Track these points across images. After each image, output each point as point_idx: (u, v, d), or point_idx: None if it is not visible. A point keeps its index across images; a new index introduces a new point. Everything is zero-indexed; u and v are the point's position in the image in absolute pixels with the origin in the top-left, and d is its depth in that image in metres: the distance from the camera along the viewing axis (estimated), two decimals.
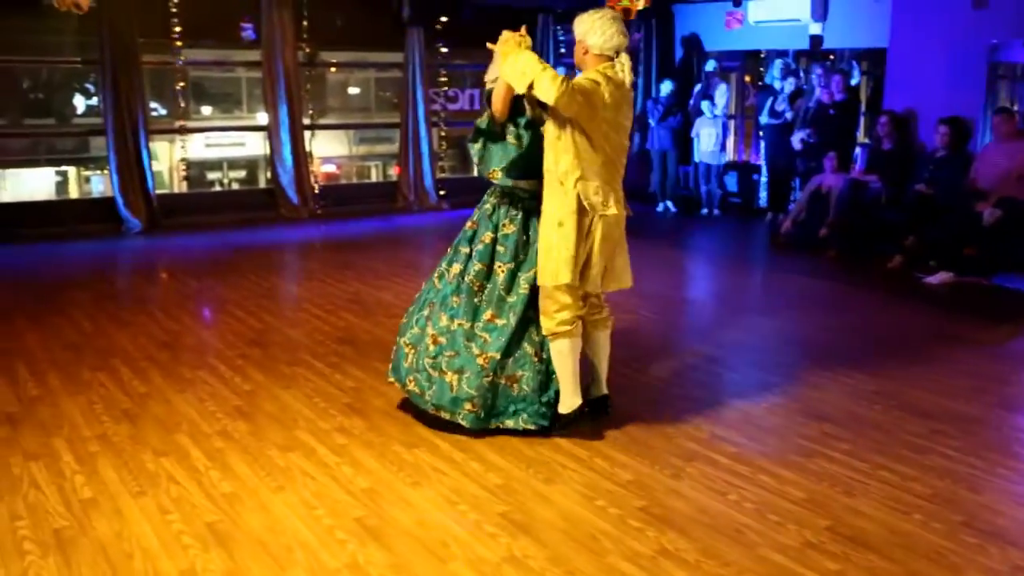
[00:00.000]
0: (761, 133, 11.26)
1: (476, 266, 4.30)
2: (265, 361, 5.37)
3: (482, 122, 4.25)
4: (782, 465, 3.92)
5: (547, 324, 4.14)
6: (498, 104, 4.17)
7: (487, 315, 4.24)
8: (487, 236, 4.32)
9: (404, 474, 3.82)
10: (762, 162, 11.30)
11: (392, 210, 11.56)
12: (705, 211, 11.35)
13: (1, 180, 9.72)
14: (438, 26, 11.42)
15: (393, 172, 11.82)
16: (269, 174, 11.40)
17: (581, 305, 4.18)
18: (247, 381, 5.01)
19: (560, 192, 4.03)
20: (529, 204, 4.32)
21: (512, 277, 4.27)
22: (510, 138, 4.25)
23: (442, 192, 11.90)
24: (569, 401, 4.21)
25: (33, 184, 18.63)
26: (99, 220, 10.09)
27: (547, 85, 3.79)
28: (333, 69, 15.01)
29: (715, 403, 4.75)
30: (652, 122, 11.59)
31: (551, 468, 3.89)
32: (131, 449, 4.08)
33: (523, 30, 4.19)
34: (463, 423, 4.18)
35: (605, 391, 4.48)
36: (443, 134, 12.15)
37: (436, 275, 4.52)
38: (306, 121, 11.15)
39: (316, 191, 11.25)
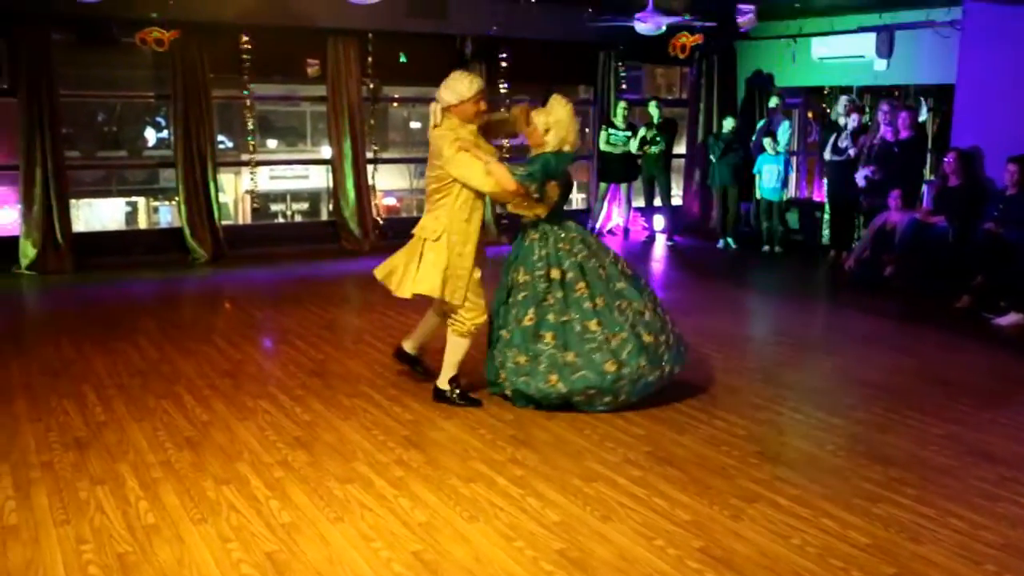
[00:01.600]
0: (824, 170, 11.14)
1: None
2: (325, 392, 5.42)
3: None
4: (846, 509, 3.84)
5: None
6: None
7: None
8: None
9: (461, 508, 3.82)
10: (825, 199, 11.16)
11: None
12: (766, 248, 11.23)
13: (75, 210, 10.04)
14: (500, 62, 11.53)
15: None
16: (332, 206, 11.56)
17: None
18: (307, 411, 5.06)
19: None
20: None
21: None
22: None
23: (503, 224, 11.95)
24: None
25: (105, 214, 19.16)
26: (167, 250, 10.33)
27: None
28: (395, 104, 15.24)
29: (777, 443, 4.68)
30: (713, 158, 11.54)
31: (608, 506, 3.85)
32: (193, 476, 4.14)
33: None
34: None
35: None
36: None
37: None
38: (369, 155, 11.32)
39: (378, 224, 11.39)
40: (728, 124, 11.43)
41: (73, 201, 10.16)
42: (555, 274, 5.11)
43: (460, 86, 4.97)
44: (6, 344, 6.54)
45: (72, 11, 8.78)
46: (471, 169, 4.93)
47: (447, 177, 4.98)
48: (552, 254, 5.15)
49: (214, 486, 4.03)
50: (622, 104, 11.94)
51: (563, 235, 5.20)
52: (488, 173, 4.93)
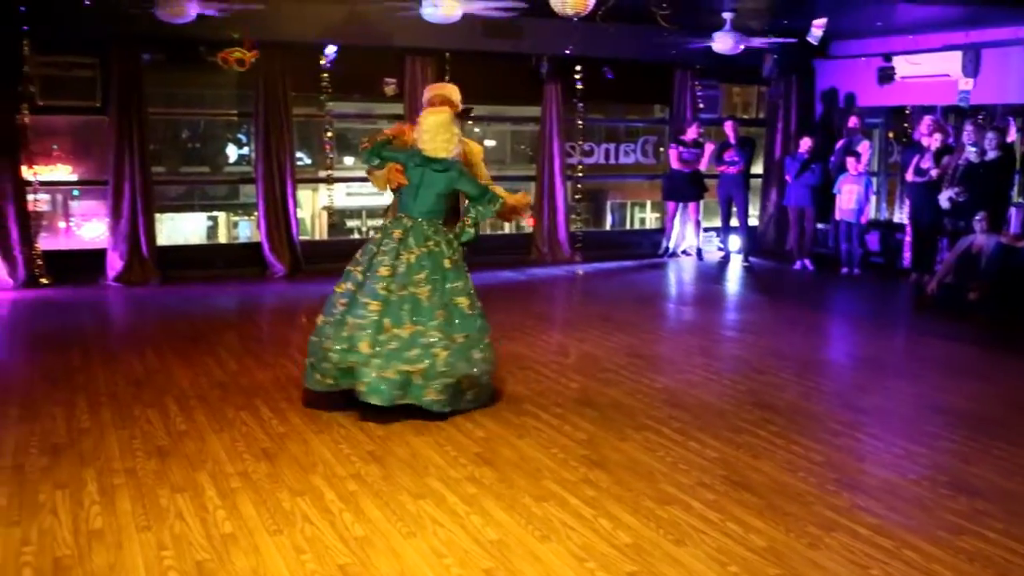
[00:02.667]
0: (906, 191, 10.89)
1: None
2: (396, 408, 5.45)
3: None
4: (929, 541, 3.72)
5: None
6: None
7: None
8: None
9: (533, 527, 3.81)
10: (907, 221, 10.90)
11: (525, 262, 11.66)
12: (845, 270, 11.00)
13: (159, 224, 10.36)
14: (576, 83, 11.56)
15: (526, 224, 11.92)
16: None
17: None
18: (380, 426, 5.10)
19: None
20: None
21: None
22: None
23: (576, 245, 11.95)
24: None
25: (187, 228, 19.65)
26: (246, 264, 10.56)
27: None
28: (470, 122, 15.34)
29: (856, 470, 4.57)
30: (790, 178, 11.38)
31: (682, 530, 3.80)
32: (269, 487, 4.21)
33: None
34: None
35: None
36: (579, 187, 12.24)
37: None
38: None
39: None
40: (805, 144, 11.27)
41: (157, 215, 10.45)
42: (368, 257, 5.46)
43: None
44: (94, 354, 6.75)
45: (161, 33, 9.07)
46: None
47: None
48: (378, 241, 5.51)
49: (289, 497, 4.09)
50: (695, 124, 11.86)
51: (392, 231, 5.47)
52: None
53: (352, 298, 5.27)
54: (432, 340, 5.12)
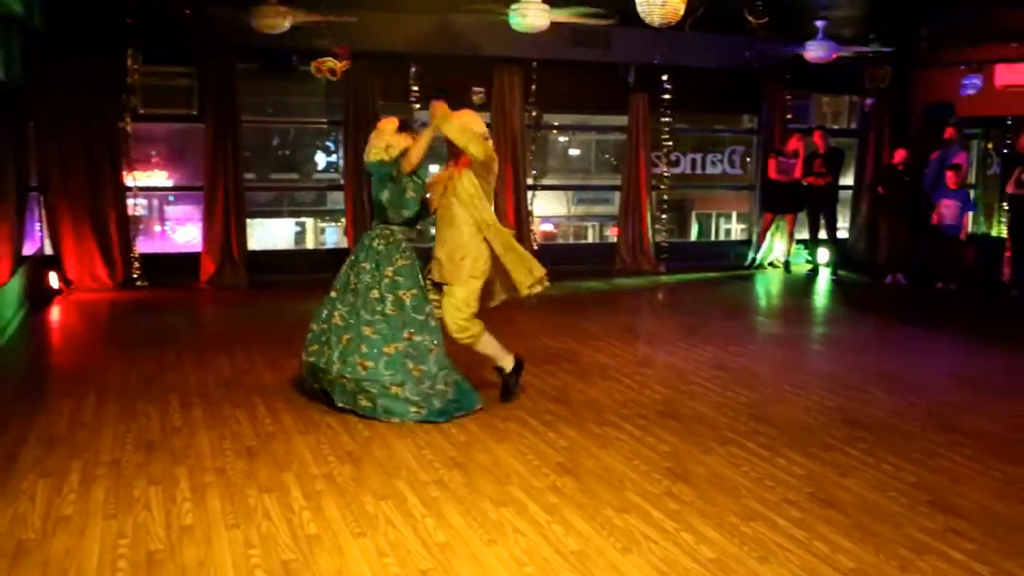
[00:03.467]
0: (1006, 204, 10.52)
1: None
2: (481, 414, 5.48)
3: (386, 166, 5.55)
4: None
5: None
6: (417, 159, 5.52)
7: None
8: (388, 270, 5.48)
9: (614, 539, 3.78)
10: (1006, 234, 10.52)
11: (610, 271, 11.61)
12: (940, 285, 10.67)
13: (249, 229, 10.63)
14: (663, 92, 11.48)
15: (610, 233, 11.89)
16: None
17: None
18: (463, 432, 5.13)
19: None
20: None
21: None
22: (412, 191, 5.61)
23: (662, 255, 11.85)
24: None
25: (275, 234, 20.10)
26: (333, 269, 10.68)
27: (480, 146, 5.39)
28: (554, 131, 15.38)
29: (951, 493, 4.41)
30: (882, 190, 11.09)
31: (767, 547, 3.73)
32: (353, 490, 4.26)
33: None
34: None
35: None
36: (664, 198, 12.14)
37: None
38: (529, 181, 11.46)
39: (535, 249, 11.48)
40: (900, 155, 10.97)
41: (248, 220, 10.72)
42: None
43: None
44: (186, 354, 6.94)
45: (256, 43, 9.30)
46: None
47: None
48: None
49: (373, 501, 4.13)
50: (796, 134, 11.65)
51: (368, 241, 5.69)
52: None
53: None
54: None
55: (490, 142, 5.59)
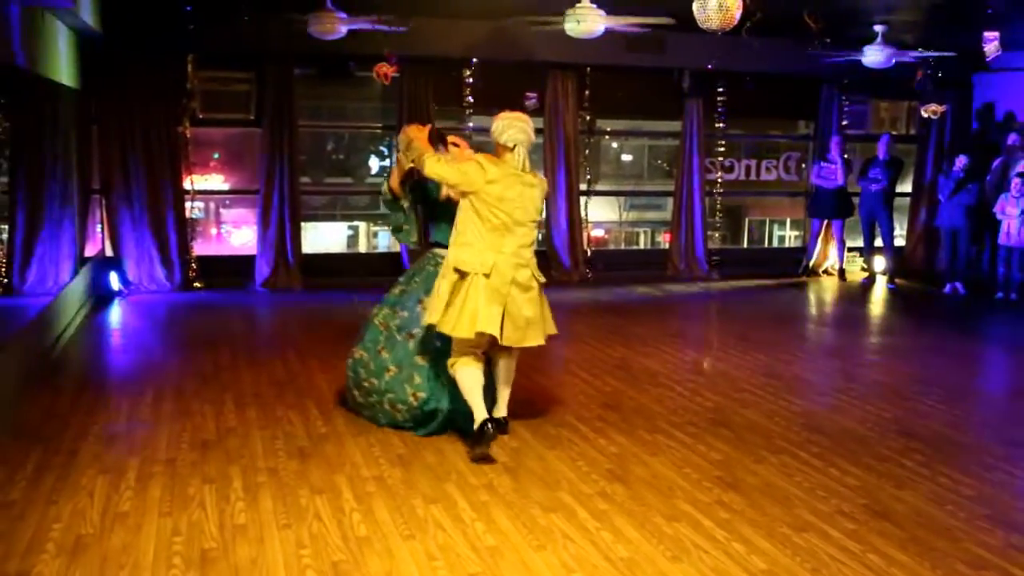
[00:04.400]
0: None
1: None
2: (531, 419, 5.48)
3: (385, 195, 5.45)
4: None
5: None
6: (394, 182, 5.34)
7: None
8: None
9: (664, 547, 3.75)
10: None
11: (661, 278, 11.55)
12: (1000, 295, 10.43)
13: (304, 232, 10.79)
14: (718, 98, 11.40)
15: (662, 239, 11.83)
16: (543, 237, 11.76)
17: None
18: (514, 438, 5.13)
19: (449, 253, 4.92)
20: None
21: None
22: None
23: (714, 261, 11.76)
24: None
25: (329, 237, 20.33)
26: (384, 273, 10.79)
27: (423, 164, 4.89)
28: (607, 137, 15.34)
29: (1010, 507, 4.31)
30: (943, 198, 10.87)
31: (819, 558, 3.67)
32: (403, 493, 4.29)
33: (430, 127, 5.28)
34: None
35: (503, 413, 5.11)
36: (717, 204, 12.04)
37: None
38: (582, 187, 11.45)
39: (587, 256, 11.47)
40: (961, 161, 10.76)
41: (302, 224, 10.85)
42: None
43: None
44: (241, 355, 7.05)
45: (313, 49, 9.42)
46: None
47: None
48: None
49: (423, 504, 4.15)
50: (835, 139, 11.50)
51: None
52: None
53: None
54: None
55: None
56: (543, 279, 5.05)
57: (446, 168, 4.84)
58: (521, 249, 4.86)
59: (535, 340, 4.95)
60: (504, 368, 5.11)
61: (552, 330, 5.11)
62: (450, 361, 4.95)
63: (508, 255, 4.79)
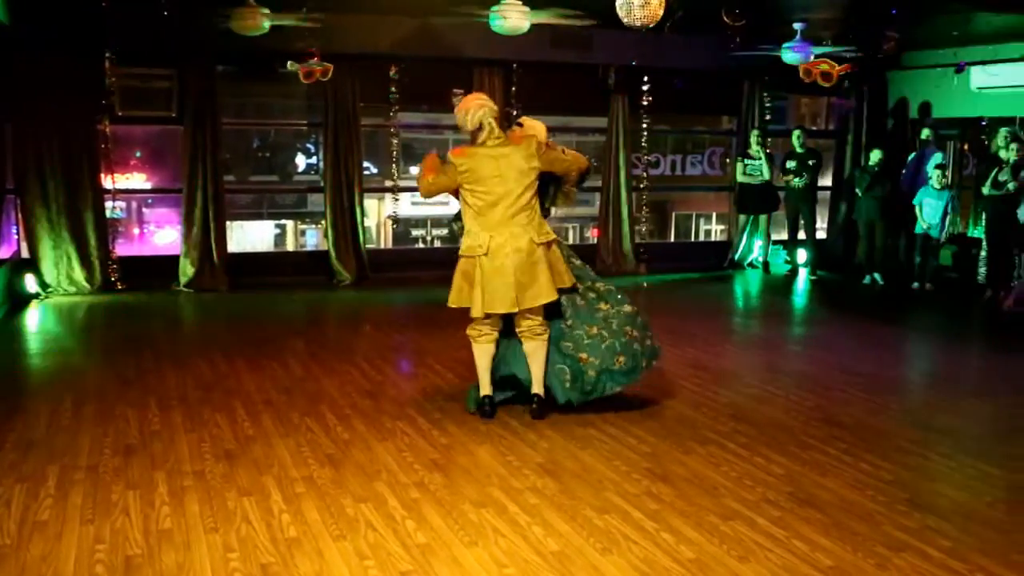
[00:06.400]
0: (981, 205, 10.62)
1: None
2: (461, 416, 5.48)
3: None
4: (1005, 565, 3.61)
5: None
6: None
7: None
8: None
9: (594, 540, 3.78)
10: (982, 235, 10.61)
11: None
12: (916, 285, 10.75)
13: (228, 231, 10.61)
14: (643, 94, 11.51)
15: (590, 235, 11.92)
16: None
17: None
18: (444, 435, 5.13)
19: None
20: None
21: None
22: None
23: (642, 256, 11.89)
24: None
25: (255, 236, 20.05)
26: (312, 272, 10.72)
27: (419, 186, 5.43)
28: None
29: (927, 491, 4.46)
30: (859, 191, 11.16)
31: (746, 546, 3.74)
32: (333, 493, 4.25)
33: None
34: None
35: (536, 391, 5.40)
36: (644, 199, 12.18)
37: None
38: None
39: None
40: (875, 156, 11.05)
41: (228, 223, 10.67)
42: None
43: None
44: (165, 358, 6.91)
45: (236, 45, 9.26)
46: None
47: (535, 182, 5.35)
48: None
49: (353, 504, 4.12)
50: (755, 132, 11.72)
51: None
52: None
53: None
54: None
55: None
56: (549, 237, 5.36)
57: (427, 180, 5.33)
58: (514, 218, 5.22)
59: (543, 299, 5.25)
60: (528, 349, 5.38)
61: (566, 283, 5.42)
62: (469, 332, 5.42)
63: (501, 229, 5.19)
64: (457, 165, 5.24)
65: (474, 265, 5.22)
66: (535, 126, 5.64)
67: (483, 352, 5.41)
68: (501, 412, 5.55)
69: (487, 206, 5.22)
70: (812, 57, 10.03)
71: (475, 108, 5.29)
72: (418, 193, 5.66)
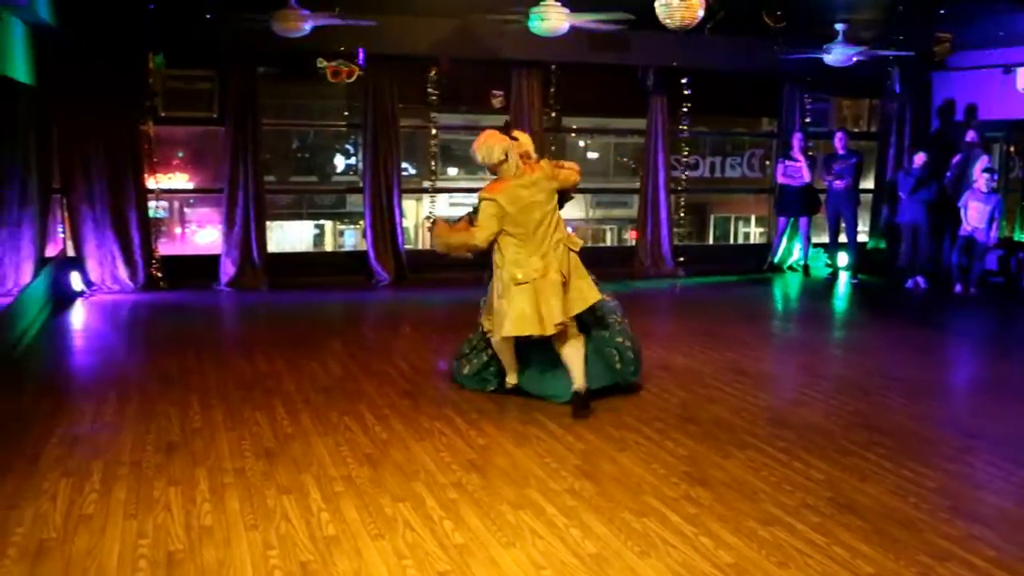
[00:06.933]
0: None
1: None
2: (499, 417, 5.49)
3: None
4: None
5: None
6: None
7: None
8: None
9: (632, 542, 3.77)
10: None
11: (628, 275, 11.59)
12: (959, 288, 10.59)
13: (268, 231, 10.72)
14: (683, 94, 11.45)
15: (628, 236, 11.88)
16: None
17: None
18: (482, 435, 5.14)
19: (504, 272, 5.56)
20: None
21: None
22: None
23: (679, 258, 11.83)
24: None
25: (294, 236, 20.21)
26: (351, 272, 10.79)
27: (475, 242, 5.57)
28: (573, 134, 15.40)
29: (972, 499, 4.39)
30: (903, 194, 11.01)
31: (785, 552, 3.71)
32: (372, 492, 4.28)
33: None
34: None
35: (579, 385, 5.60)
36: (682, 201, 12.12)
37: None
38: None
39: None
40: (920, 159, 10.90)
41: (267, 223, 10.77)
42: None
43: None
44: (206, 357, 6.99)
45: (276, 47, 9.36)
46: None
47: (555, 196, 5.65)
48: None
49: (391, 503, 4.14)
50: (797, 135, 11.61)
51: None
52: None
53: None
54: None
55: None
56: (577, 242, 5.70)
57: (485, 230, 5.50)
58: (553, 235, 5.52)
59: (591, 300, 5.67)
60: (571, 352, 5.63)
61: (593, 297, 5.70)
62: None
63: (546, 249, 5.47)
64: (504, 205, 5.44)
65: (532, 288, 5.40)
66: (527, 139, 5.79)
67: (510, 344, 5.75)
68: (539, 414, 5.56)
69: (530, 233, 5.47)
70: (854, 60, 9.93)
71: (495, 141, 5.53)
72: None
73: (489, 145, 5.52)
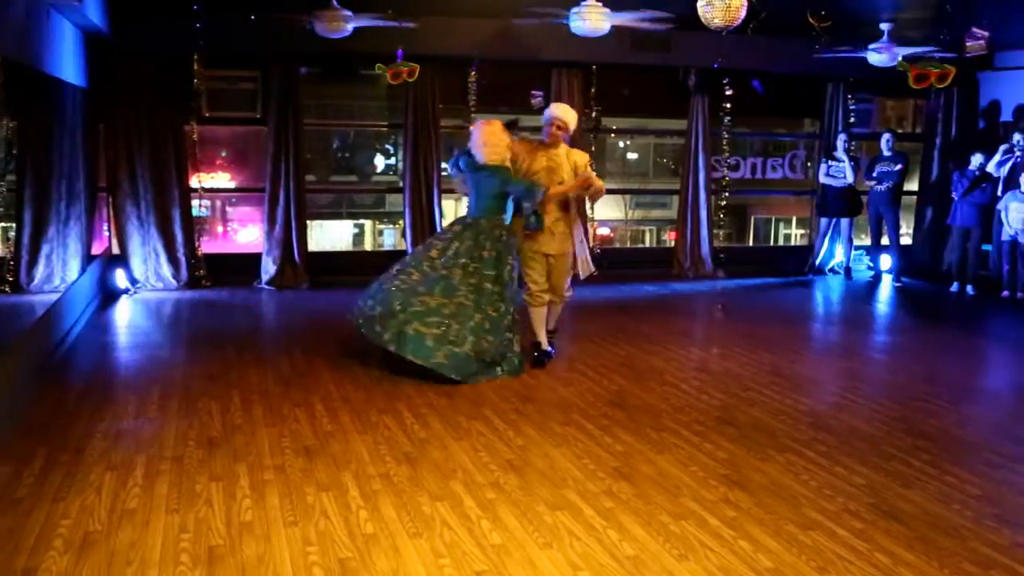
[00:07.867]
0: None
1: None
2: (538, 417, 5.49)
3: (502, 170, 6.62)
4: None
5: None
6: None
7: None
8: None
9: (670, 545, 3.75)
10: None
11: (667, 276, 11.54)
12: (1006, 293, 10.40)
13: (309, 231, 10.80)
14: (724, 96, 11.37)
15: (667, 237, 11.81)
16: None
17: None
18: (520, 436, 5.14)
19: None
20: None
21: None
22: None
23: (719, 260, 11.74)
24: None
25: (334, 235, 20.35)
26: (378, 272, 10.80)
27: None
28: (613, 135, 15.35)
29: (1017, 506, 4.31)
30: (955, 195, 10.81)
31: (826, 557, 3.67)
32: (410, 491, 4.30)
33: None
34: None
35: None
36: (722, 202, 12.03)
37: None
38: None
39: (594, 254, 11.43)
40: (976, 160, 10.70)
41: (308, 222, 10.86)
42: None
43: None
44: (247, 354, 7.06)
45: (318, 48, 9.44)
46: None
47: None
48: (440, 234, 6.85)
49: (429, 502, 4.16)
50: (842, 136, 11.48)
51: (453, 226, 6.68)
52: None
53: (400, 271, 6.61)
54: (449, 312, 6.19)
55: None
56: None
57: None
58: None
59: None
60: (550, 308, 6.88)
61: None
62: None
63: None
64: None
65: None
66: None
67: (542, 313, 6.79)
68: (577, 415, 5.56)
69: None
70: (899, 59, 9.79)
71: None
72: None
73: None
